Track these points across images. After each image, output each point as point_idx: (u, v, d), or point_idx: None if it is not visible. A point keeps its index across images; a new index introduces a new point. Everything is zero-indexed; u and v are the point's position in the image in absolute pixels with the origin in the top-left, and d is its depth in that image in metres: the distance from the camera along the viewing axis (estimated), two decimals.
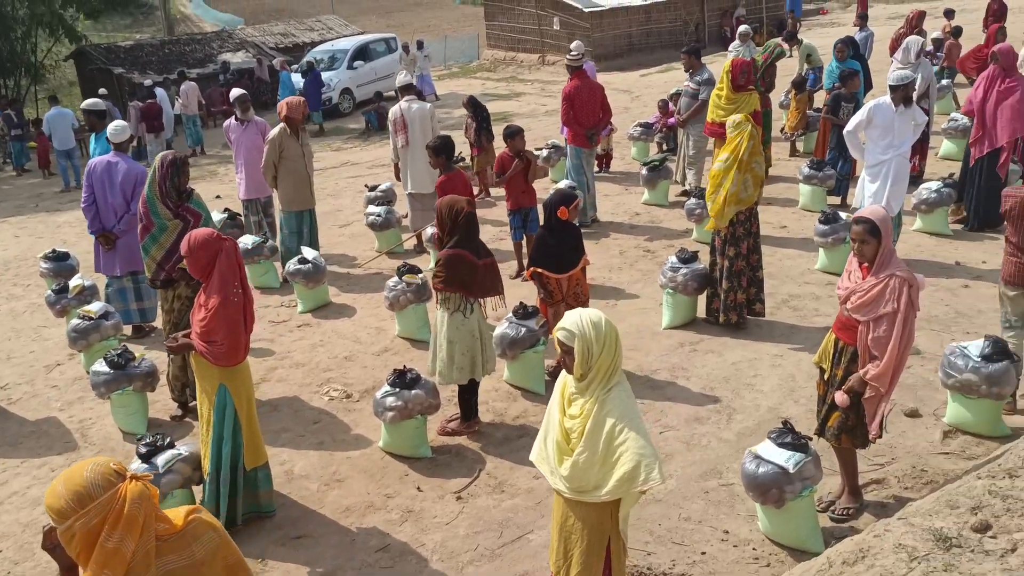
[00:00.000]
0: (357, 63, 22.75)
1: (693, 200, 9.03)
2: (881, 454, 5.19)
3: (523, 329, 6.22)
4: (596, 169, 11.96)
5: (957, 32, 14.32)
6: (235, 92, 9.60)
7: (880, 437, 4.56)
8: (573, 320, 3.33)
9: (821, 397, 4.74)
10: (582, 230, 9.31)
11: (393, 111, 9.25)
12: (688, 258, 7.10)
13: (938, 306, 7.07)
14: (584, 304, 6.10)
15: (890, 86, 7.44)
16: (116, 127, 7.31)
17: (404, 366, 5.72)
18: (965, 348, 5.34)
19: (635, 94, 20.69)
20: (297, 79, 20.39)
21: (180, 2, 54.62)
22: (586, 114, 9.38)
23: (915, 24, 12.86)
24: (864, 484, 4.88)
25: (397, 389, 5.49)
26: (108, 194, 7.28)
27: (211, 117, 21.55)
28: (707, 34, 28.98)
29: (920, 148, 9.68)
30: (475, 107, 11.57)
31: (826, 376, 4.66)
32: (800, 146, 12.25)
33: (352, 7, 54.79)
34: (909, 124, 7.47)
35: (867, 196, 7.61)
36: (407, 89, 9.40)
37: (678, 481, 5.13)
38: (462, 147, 11.88)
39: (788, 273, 8.08)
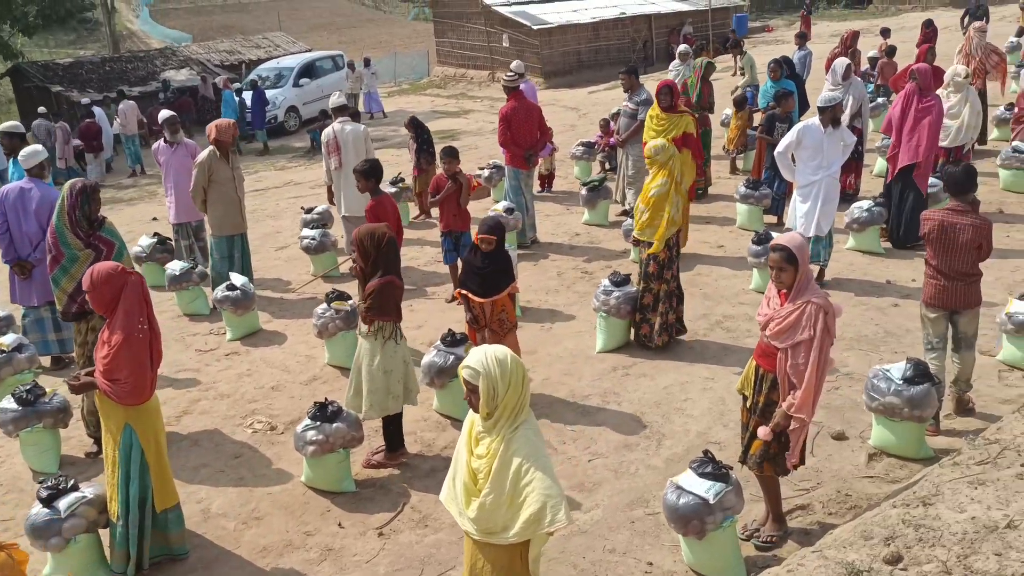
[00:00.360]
0: (303, 80, 22.53)
1: (630, 220, 9.01)
2: (807, 479, 5.17)
3: (451, 357, 6.10)
4: (539, 189, 11.94)
5: (891, 51, 14.62)
6: (163, 114, 9.37)
7: (800, 465, 4.54)
8: (478, 358, 3.23)
9: (744, 424, 4.70)
10: (520, 251, 9.41)
11: (326, 132, 9.10)
12: (620, 281, 7.06)
13: (868, 325, 7.12)
14: (509, 331, 6.02)
15: (818, 107, 7.53)
16: (27, 152, 7.05)
17: (325, 399, 5.55)
18: (887, 371, 5.35)
19: (582, 112, 20.80)
20: (238, 96, 20.06)
21: (126, 19, 53.75)
22: (523, 135, 9.34)
23: (849, 44, 13.11)
24: (788, 511, 4.84)
25: (318, 422, 5.33)
26: (22, 222, 7.01)
27: (152, 136, 21.08)
28: (655, 51, 29.36)
29: (855, 166, 9.82)
30: (416, 127, 11.46)
31: (748, 403, 4.63)
32: (740, 164, 12.37)
33: (303, 24, 54.49)
34: (838, 145, 7.55)
35: (798, 217, 7.67)
36: (341, 110, 9.26)
37: (604, 511, 5.05)
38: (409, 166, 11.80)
39: (723, 293, 8.09)
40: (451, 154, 8.15)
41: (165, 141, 9.18)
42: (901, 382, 5.21)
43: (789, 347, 4.27)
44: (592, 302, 7.22)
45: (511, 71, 9.80)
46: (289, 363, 7.41)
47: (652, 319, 6.89)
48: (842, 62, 10.09)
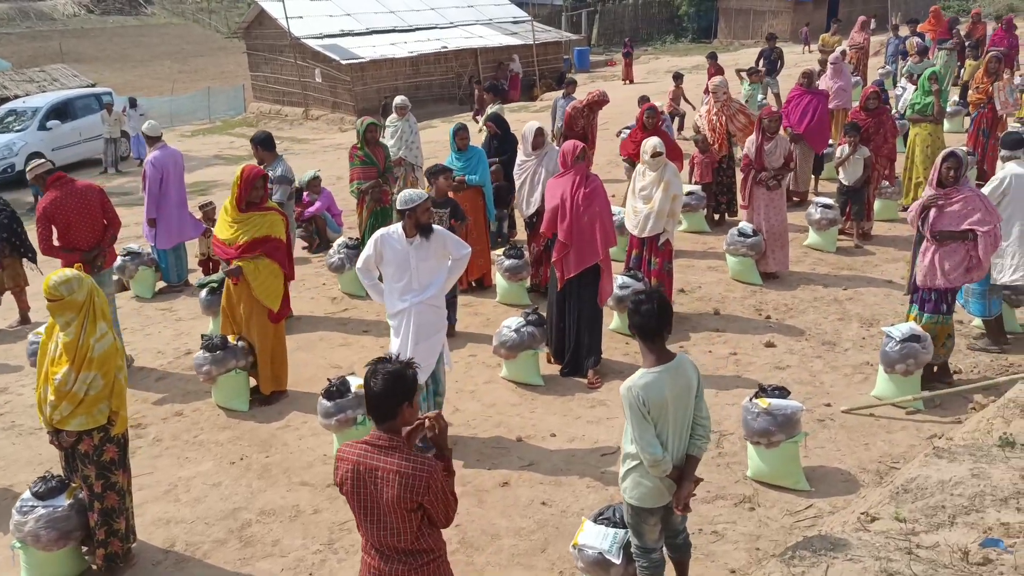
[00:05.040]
0: (52, 123, 19.46)
1: None
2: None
3: None
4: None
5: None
6: None
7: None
8: None
9: None
10: None
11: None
12: None
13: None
14: None
15: (398, 210, 5.39)
16: None
17: None
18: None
19: None
20: None
21: None
22: (78, 233, 6.76)
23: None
24: None
25: None
26: None
27: None
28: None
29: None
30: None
31: None
32: None
33: (148, 51, 50.79)
34: (437, 258, 5.45)
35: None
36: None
37: None
38: None
39: None
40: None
41: None
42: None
43: None
44: None
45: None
46: None
47: None
48: (532, 127, 8.13)
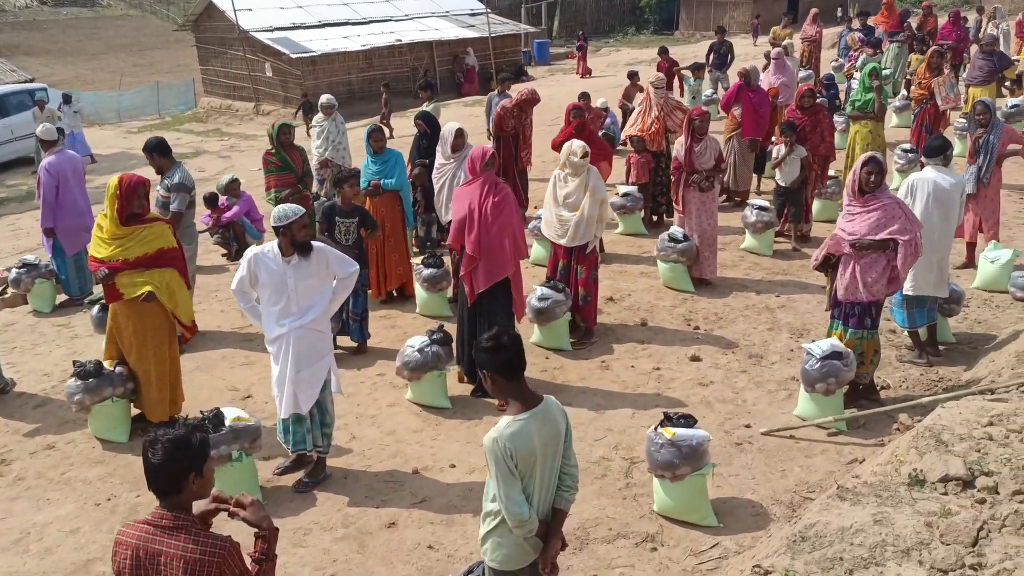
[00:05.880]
0: None
1: None
2: None
3: None
4: None
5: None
6: None
7: None
8: None
9: None
10: None
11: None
12: None
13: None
14: None
15: (273, 227, 4.94)
16: None
17: None
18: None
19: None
20: None
21: None
22: None
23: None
24: None
25: None
26: None
27: None
28: (439, 81, 26.93)
29: None
30: None
31: None
32: None
33: (101, 44, 49.70)
34: (318, 278, 5.01)
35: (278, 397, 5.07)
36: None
37: None
38: None
39: None
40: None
41: None
42: None
43: None
44: None
45: None
46: None
47: None
48: (451, 128, 7.71)
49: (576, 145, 6.90)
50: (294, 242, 4.87)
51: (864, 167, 5.41)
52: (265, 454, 5.48)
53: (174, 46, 51.58)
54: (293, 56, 24.07)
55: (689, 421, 4.77)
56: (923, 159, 6.39)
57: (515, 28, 29.19)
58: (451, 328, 6.44)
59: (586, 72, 25.07)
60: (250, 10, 25.50)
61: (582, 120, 8.14)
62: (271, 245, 4.95)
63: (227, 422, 4.92)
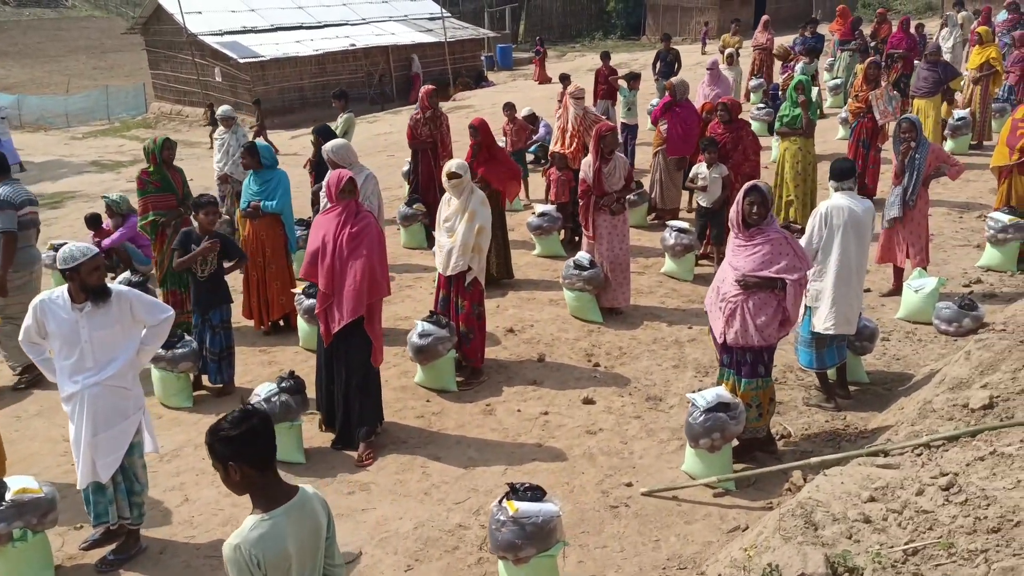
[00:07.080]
0: None
1: None
2: None
3: None
4: None
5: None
6: None
7: None
8: None
9: None
10: None
11: None
12: None
13: None
14: None
15: (56, 271, 4.29)
16: None
17: None
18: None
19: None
20: None
21: None
22: None
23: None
24: None
25: None
26: None
27: None
28: (394, 86, 26.35)
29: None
30: None
31: None
32: None
33: (63, 46, 48.70)
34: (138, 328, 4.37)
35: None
36: None
37: None
38: None
39: None
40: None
41: None
42: None
43: None
44: None
45: None
46: None
47: None
48: (336, 145, 7.06)
49: (453, 163, 6.31)
50: (84, 286, 4.22)
51: (746, 198, 4.82)
52: (79, 523, 4.84)
53: (136, 48, 50.60)
54: (242, 61, 23.41)
55: (537, 494, 4.16)
56: (831, 184, 5.80)
57: (475, 33, 28.60)
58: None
59: (544, 78, 24.47)
60: (200, 13, 24.83)
61: (475, 141, 7.54)
62: (61, 290, 4.30)
63: (8, 495, 4.26)
